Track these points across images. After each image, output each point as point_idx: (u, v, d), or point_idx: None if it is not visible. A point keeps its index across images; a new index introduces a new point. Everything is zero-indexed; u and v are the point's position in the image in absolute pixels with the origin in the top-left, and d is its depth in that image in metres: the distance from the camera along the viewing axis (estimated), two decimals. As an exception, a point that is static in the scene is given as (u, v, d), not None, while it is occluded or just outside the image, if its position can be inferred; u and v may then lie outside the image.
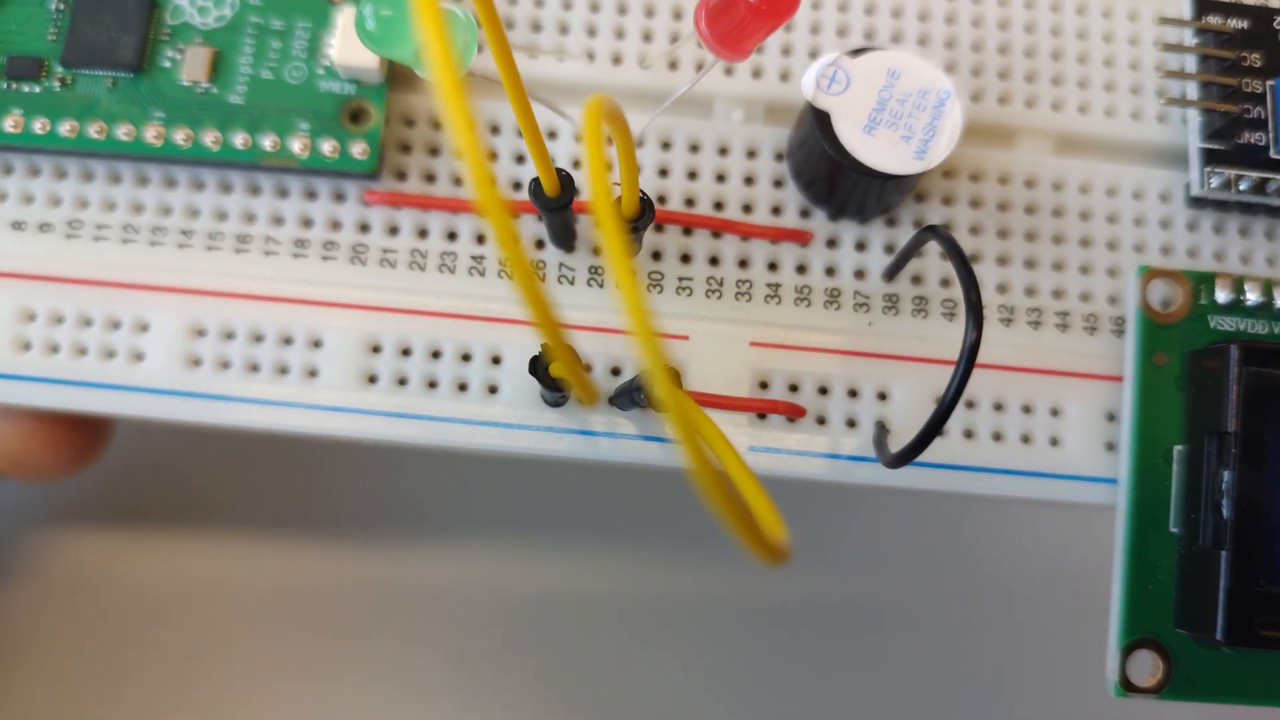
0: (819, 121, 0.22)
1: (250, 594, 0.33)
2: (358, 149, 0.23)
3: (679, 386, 0.21)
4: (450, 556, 0.33)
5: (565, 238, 0.23)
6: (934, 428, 0.19)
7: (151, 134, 0.23)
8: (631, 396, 0.22)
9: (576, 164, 0.24)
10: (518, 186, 0.24)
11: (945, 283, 0.24)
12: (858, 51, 0.23)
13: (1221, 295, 0.23)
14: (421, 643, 0.33)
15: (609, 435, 0.23)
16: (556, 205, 0.21)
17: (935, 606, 0.33)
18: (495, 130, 0.25)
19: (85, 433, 0.27)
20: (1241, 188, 0.24)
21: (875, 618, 0.34)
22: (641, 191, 0.21)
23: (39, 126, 0.23)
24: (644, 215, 0.21)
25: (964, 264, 0.20)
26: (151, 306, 0.23)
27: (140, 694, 0.32)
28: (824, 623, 0.34)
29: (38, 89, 0.24)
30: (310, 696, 0.32)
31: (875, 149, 0.22)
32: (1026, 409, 0.24)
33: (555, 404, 0.23)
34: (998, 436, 0.24)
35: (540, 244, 0.24)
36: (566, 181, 0.21)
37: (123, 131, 0.23)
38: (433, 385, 0.23)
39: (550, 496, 0.34)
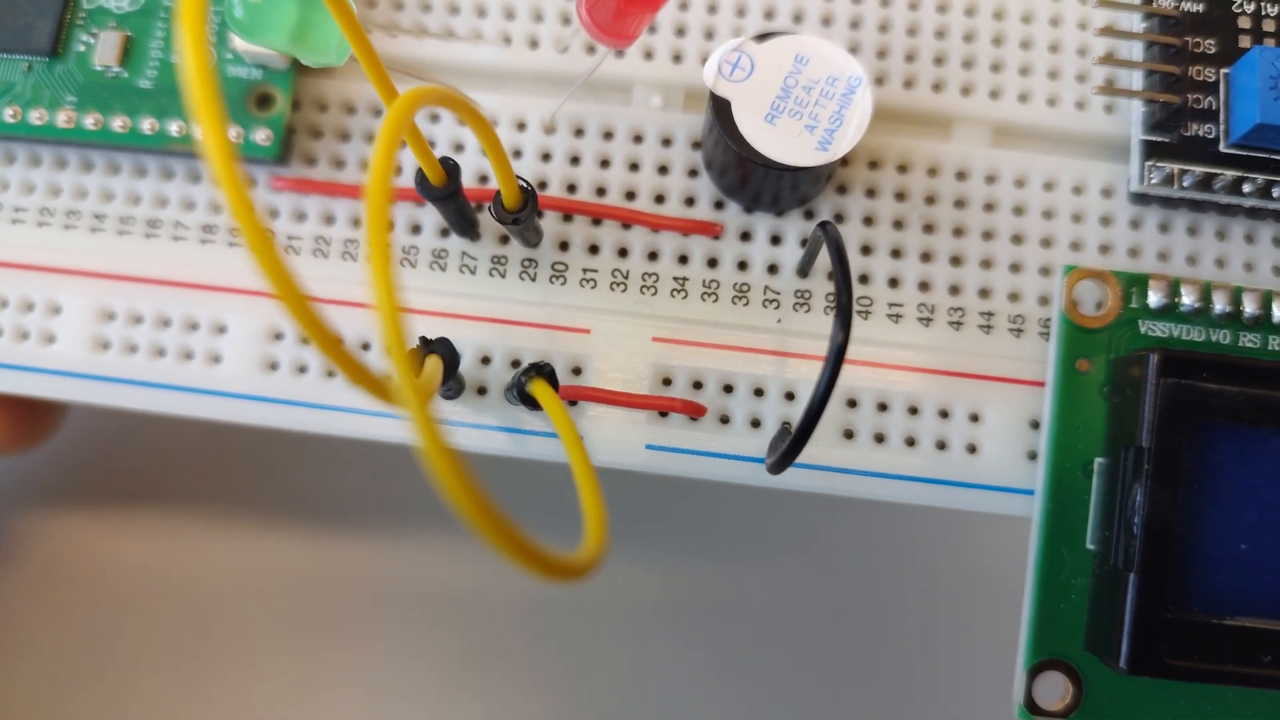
0: (719, 110, 0.21)
1: (244, 586, 0.33)
2: (261, 135, 0.23)
3: (419, 373, 0.19)
4: (447, 555, 0.33)
5: (464, 226, 0.22)
6: (804, 434, 0.18)
7: (62, 118, 0.23)
8: (515, 390, 0.21)
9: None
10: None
11: (861, 279, 0.23)
12: (765, 36, 0.21)
13: (1154, 298, 0.22)
14: (416, 640, 0.32)
15: (504, 430, 0.22)
16: (441, 195, 0.20)
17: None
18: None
19: (22, 412, 0.27)
20: (1185, 184, 0.22)
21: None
22: (523, 180, 0.20)
23: (-43, 109, 0.23)
24: (526, 206, 0.20)
25: (842, 264, 0.18)
26: (64, 289, 0.23)
27: (133, 688, 0.32)
28: (815, 623, 0.33)
29: (-44, 72, 0.24)
30: (302, 691, 0.32)
31: (775, 139, 0.21)
32: (944, 414, 0.22)
33: (448, 396, 0.22)
34: (911, 442, 0.22)
35: (445, 232, 0.23)
36: (452, 170, 0.20)
37: (35, 115, 0.23)
38: (331, 374, 0.23)
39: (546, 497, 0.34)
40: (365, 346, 0.23)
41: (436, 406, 0.21)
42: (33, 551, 0.33)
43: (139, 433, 0.34)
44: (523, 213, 0.20)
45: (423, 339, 0.20)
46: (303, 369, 0.23)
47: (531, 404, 0.20)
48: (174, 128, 0.23)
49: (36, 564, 0.33)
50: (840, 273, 0.18)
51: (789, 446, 0.19)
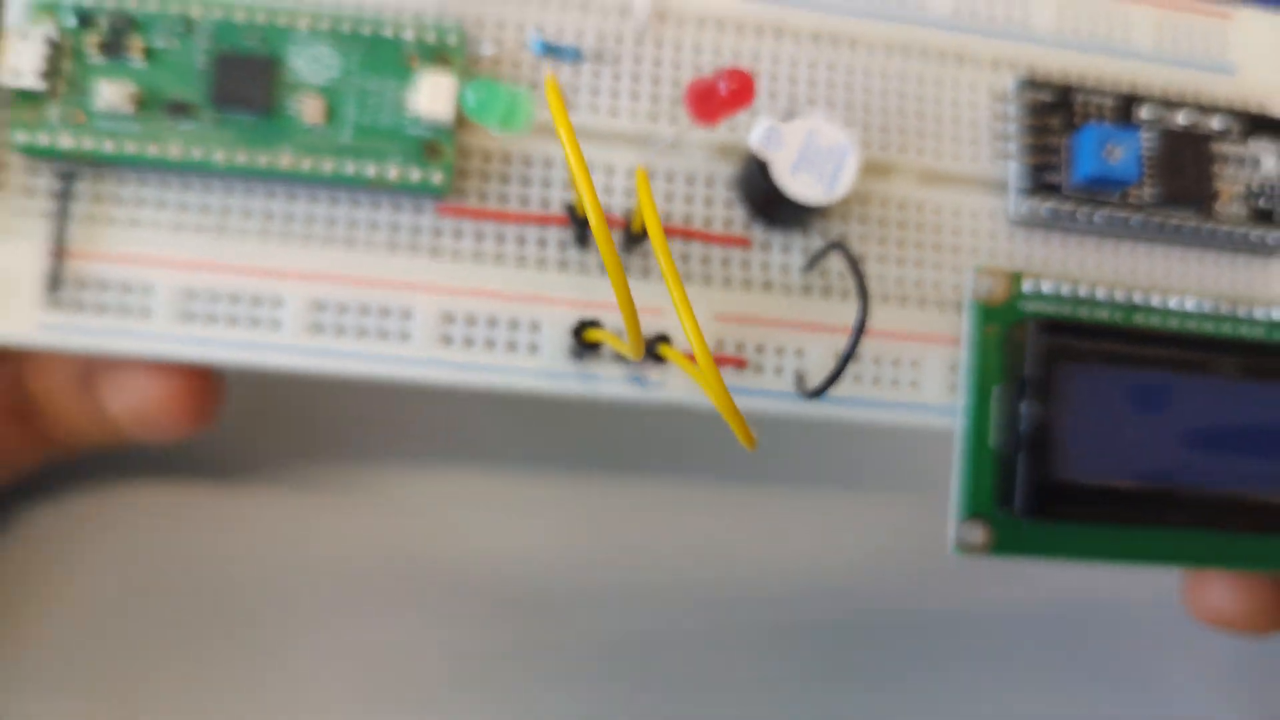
0: (760, 167, 0.31)
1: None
2: (436, 177, 0.31)
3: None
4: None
5: (585, 239, 0.31)
6: (839, 370, 0.28)
7: (284, 161, 0.31)
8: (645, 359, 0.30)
9: (588, 188, 0.32)
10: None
11: (840, 275, 0.33)
12: (788, 117, 0.31)
13: (1028, 286, 0.33)
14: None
15: (618, 381, 0.31)
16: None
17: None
18: (549, 164, 0.32)
19: (204, 394, 0.33)
20: (1043, 214, 0.33)
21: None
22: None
23: (196, 153, 0.30)
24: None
25: (858, 273, 0.28)
26: (283, 287, 0.31)
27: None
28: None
29: (192, 124, 0.31)
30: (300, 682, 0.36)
31: (798, 186, 0.31)
32: (895, 362, 0.33)
33: (579, 357, 0.31)
34: (876, 381, 0.33)
35: (564, 245, 0.32)
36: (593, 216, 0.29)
37: (262, 159, 0.30)
38: (489, 344, 0.31)
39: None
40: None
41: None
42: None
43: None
44: (644, 237, 0.30)
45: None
46: (469, 342, 0.31)
47: (658, 359, 0.30)
48: (370, 170, 0.31)
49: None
50: (857, 276, 0.28)
51: (831, 375, 0.28)
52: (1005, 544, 0.32)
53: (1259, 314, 0.34)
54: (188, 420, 0.33)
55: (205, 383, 0.33)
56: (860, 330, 0.28)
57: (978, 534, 0.32)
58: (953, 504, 0.32)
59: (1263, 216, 0.35)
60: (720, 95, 0.28)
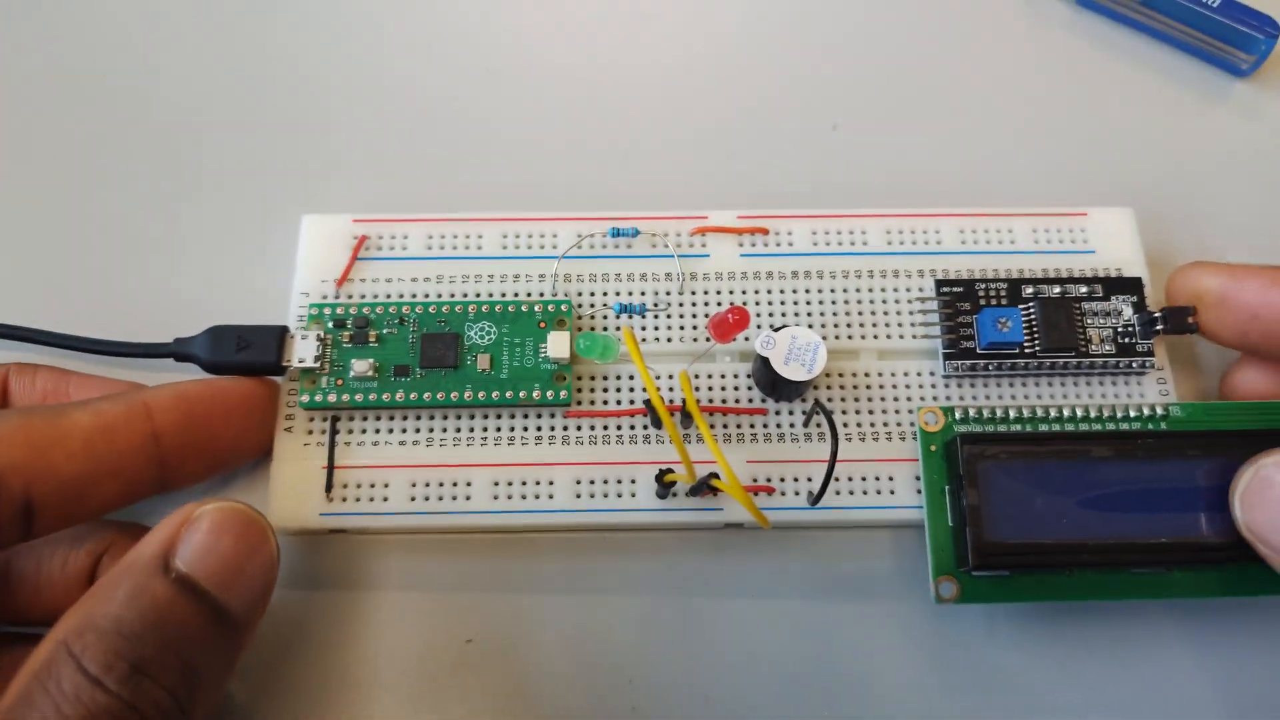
0: (764, 361, 0.46)
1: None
2: (562, 394, 0.48)
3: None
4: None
5: (657, 423, 0.47)
6: (825, 483, 0.43)
7: (467, 395, 0.48)
8: (702, 488, 0.45)
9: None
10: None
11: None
12: (778, 328, 0.47)
13: (958, 415, 0.47)
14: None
15: (692, 510, 0.46)
16: (658, 417, 0.45)
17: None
18: (631, 378, 0.49)
19: None
20: (963, 369, 0.48)
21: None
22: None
23: (412, 396, 0.48)
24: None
25: (829, 419, 0.44)
26: (471, 474, 0.47)
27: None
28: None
29: (408, 379, 0.48)
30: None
31: (789, 371, 0.46)
32: (877, 478, 0.47)
33: (662, 497, 0.46)
34: (865, 492, 0.47)
35: (647, 426, 0.48)
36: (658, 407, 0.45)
37: (454, 395, 0.48)
38: (605, 495, 0.47)
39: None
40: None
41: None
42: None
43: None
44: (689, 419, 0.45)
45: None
46: (592, 495, 0.47)
47: (714, 491, 0.45)
48: (521, 393, 0.47)
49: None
50: (829, 423, 0.43)
51: (821, 488, 0.43)
52: (970, 595, 0.45)
53: (1132, 413, 0.47)
54: None
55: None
56: (834, 453, 0.43)
57: (949, 588, 0.45)
58: (929, 568, 0.45)
59: (1126, 349, 0.49)
60: (729, 323, 0.44)
